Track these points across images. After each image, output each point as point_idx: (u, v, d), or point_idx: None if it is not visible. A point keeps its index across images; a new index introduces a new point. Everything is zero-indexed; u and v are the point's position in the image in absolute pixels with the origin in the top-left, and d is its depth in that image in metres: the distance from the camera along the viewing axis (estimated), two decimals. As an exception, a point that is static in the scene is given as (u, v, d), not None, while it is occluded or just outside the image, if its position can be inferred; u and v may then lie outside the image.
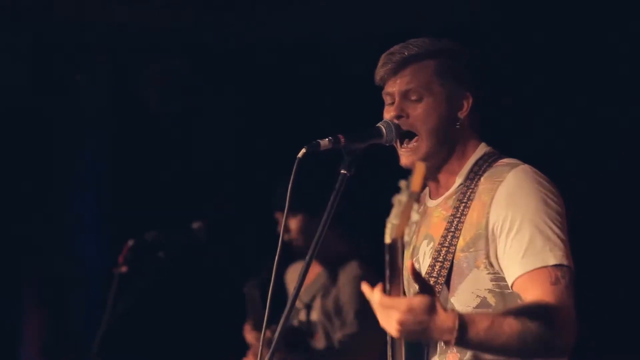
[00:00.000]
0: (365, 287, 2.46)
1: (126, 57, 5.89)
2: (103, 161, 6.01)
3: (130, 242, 4.68)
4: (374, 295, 2.42)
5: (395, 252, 2.36)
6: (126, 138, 5.92)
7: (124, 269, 4.64)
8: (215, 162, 5.78)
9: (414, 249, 3.02)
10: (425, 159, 2.92)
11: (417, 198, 2.31)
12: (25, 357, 5.88)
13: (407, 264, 2.89)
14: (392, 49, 2.95)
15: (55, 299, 5.93)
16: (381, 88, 2.99)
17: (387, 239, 2.35)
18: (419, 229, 3.02)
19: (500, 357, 2.66)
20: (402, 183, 2.31)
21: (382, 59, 2.96)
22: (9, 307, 5.87)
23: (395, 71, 2.94)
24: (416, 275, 2.46)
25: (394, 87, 2.94)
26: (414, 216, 2.31)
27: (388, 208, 3.27)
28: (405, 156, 2.93)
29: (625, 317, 4.58)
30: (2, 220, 5.82)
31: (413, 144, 2.90)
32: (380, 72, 2.96)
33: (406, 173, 3.04)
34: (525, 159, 2.90)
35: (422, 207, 3.09)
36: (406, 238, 3.10)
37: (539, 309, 2.60)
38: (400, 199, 2.31)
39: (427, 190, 3.08)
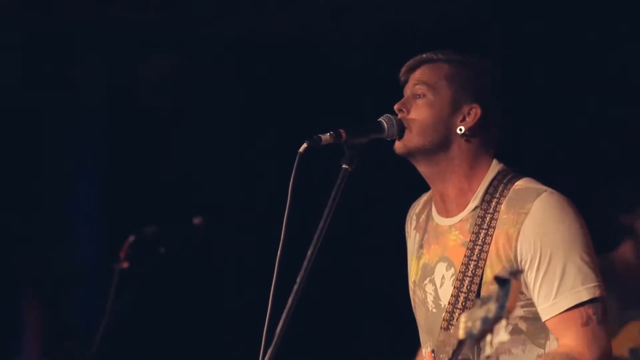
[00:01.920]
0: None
1: (123, 53, 5.88)
2: (101, 158, 6.00)
3: (131, 238, 4.67)
4: None
5: None
6: (123, 135, 5.91)
7: (125, 264, 4.63)
8: (213, 159, 5.77)
9: (425, 267, 3.01)
10: (415, 154, 2.94)
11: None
12: (25, 354, 5.87)
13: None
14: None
15: (53, 295, 5.92)
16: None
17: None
18: (429, 243, 3.02)
19: None
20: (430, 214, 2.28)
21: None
22: (8, 304, 5.86)
23: (411, 70, 2.98)
24: None
25: (407, 86, 2.98)
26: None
27: (390, 202, 3.28)
28: (398, 143, 2.94)
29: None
30: (0, 218, 5.81)
31: (406, 134, 2.92)
32: (401, 71, 3.00)
33: (406, 168, 3.08)
34: (531, 170, 2.92)
35: (422, 218, 3.10)
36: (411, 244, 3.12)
37: None
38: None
39: (428, 198, 3.09)
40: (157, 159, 5.81)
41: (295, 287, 2.78)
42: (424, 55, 2.97)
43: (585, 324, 2.73)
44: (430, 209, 3.05)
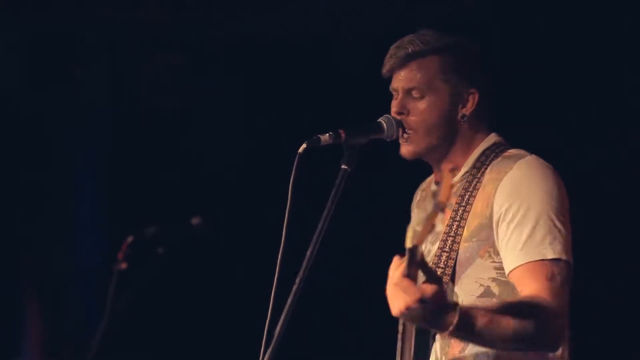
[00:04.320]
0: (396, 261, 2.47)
1: (125, 52, 5.88)
2: (101, 157, 6.01)
3: (130, 238, 4.68)
4: (395, 272, 2.44)
5: (416, 257, 2.37)
6: (125, 135, 5.91)
7: (123, 265, 4.64)
8: (213, 159, 5.77)
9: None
10: (423, 153, 2.95)
11: (442, 208, 2.32)
12: (25, 354, 5.88)
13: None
14: (399, 42, 2.96)
15: (54, 295, 5.93)
16: (388, 81, 3.00)
17: (409, 244, 2.36)
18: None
19: (493, 349, 2.72)
20: (430, 190, 2.33)
21: (389, 52, 2.97)
22: (9, 305, 5.86)
23: (399, 66, 2.95)
24: (424, 265, 2.45)
25: (398, 83, 2.96)
26: (438, 226, 2.33)
27: (389, 202, 3.29)
28: (403, 147, 2.95)
29: (625, 317, 4.57)
30: (1, 218, 5.82)
31: (411, 136, 2.92)
32: (385, 66, 2.98)
33: (408, 167, 3.09)
34: (532, 149, 2.91)
35: (424, 193, 3.12)
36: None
37: (534, 307, 2.64)
38: (426, 207, 2.34)
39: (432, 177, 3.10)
40: (157, 159, 5.81)
41: (295, 286, 2.79)
42: (409, 50, 2.93)
43: (550, 279, 2.71)
44: (431, 184, 3.09)
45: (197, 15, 5.66)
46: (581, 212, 2.95)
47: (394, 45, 2.96)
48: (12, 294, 5.87)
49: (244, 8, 5.53)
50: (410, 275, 2.41)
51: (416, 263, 2.39)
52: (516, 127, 4.09)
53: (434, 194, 2.32)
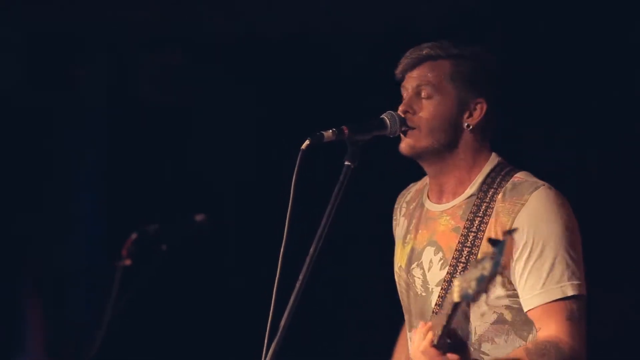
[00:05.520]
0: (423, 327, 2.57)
1: (125, 51, 5.88)
2: (102, 155, 6.01)
3: (134, 235, 4.69)
4: (423, 342, 2.54)
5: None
6: (125, 133, 5.92)
7: (127, 262, 4.64)
8: (214, 158, 5.78)
9: (412, 251, 3.04)
10: (422, 152, 2.96)
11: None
12: (28, 352, 5.88)
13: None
14: (416, 47, 2.99)
15: (56, 294, 5.93)
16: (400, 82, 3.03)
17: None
18: (417, 229, 3.03)
19: None
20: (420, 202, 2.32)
21: (405, 54, 3.00)
22: (10, 303, 5.87)
23: (412, 67, 2.98)
24: (452, 332, 2.53)
25: (408, 82, 2.98)
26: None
27: (392, 199, 3.30)
28: (403, 141, 2.96)
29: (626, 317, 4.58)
30: (2, 215, 5.82)
31: (413, 132, 2.93)
32: (399, 67, 3.00)
33: (408, 165, 3.09)
34: (528, 168, 2.95)
35: (413, 206, 3.11)
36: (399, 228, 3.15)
37: (556, 352, 2.73)
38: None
39: (424, 186, 3.10)
40: (158, 157, 5.82)
41: (298, 284, 2.79)
42: (423, 52, 2.96)
43: (569, 318, 2.77)
44: (421, 197, 3.08)
45: (197, 14, 5.67)
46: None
47: (411, 49, 3.00)
48: (13, 293, 5.88)
49: (244, 7, 5.53)
50: (438, 345, 2.51)
51: (446, 330, 2.49)
52: (515, 129, 4.12)
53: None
